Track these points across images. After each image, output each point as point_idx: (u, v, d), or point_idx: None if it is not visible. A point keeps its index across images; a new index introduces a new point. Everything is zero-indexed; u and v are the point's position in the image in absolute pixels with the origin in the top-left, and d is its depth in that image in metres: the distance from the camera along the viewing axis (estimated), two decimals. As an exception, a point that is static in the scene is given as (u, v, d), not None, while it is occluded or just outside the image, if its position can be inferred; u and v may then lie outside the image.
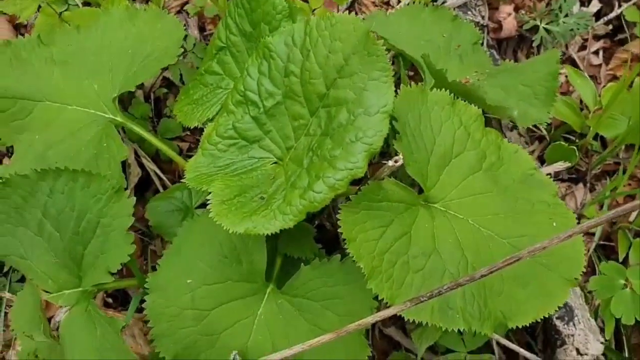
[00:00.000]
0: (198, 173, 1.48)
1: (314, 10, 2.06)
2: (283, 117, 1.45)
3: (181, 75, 2.14)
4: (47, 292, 1.56)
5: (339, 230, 1.30)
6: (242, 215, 1.35)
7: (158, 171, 2.00)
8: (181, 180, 1.91)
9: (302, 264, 1.52)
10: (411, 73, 2.13)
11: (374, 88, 1.32)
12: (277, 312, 1.48)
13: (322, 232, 1.77)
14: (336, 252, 1.76)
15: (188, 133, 2.15)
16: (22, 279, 2.08)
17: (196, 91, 1.67)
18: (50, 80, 1.72)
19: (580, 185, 2.07)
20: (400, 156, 1.30)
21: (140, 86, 2.14)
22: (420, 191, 1.46)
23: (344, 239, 1.30)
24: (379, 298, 1.31)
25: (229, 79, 1.63)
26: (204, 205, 1.75)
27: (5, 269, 2.07)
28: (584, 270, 1.43)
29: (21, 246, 1.56)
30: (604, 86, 2.18)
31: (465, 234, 1.42)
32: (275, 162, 1.48)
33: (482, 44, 2.09)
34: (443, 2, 2.20)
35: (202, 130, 2.15)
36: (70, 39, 1.77)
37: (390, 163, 1.30)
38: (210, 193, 1.43)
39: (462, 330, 1.40)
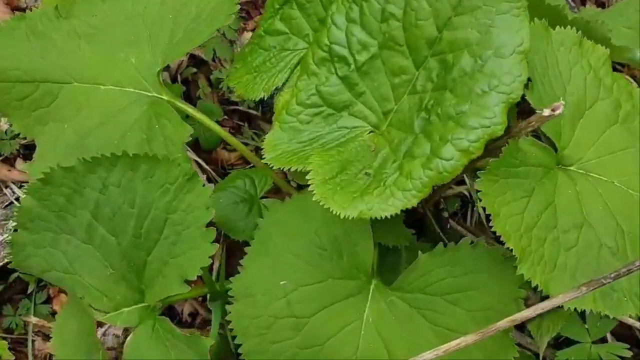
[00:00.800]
0: (280, 151, 1.21)
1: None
2: (379, 74, 1.19)
3: (214, 51, 1.86)
4: (100, 310, 1.28)
5: (480, 204, 1.04)
6: (351, 196, 1.08)
7: (202, 162, 1.73)
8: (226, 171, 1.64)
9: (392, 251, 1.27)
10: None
11: (504, 23, 1.06)
12: (388, 312, 1.22)
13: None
14: (422, 237, 1.51)
15: (226, 117, 1.87)
16: (48, 300, 1.79)
17: (255, 57, 1.39)
18: (77, 57, 1.43)
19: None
20: (562, 103, 1.03)
21: (166, 67, 1.86)
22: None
23: (488, 216, 1.04)
24: (533, 284, 1.05)
25: (297, 37, 1.36)
26: (269, 193, 1.49)
27: (30, 289, 1.78)
28: None
29: (65, 258, 1.28)
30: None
31: (613, 199, 1.17)
32: (371, 132, 1.21)
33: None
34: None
35: (243, 113, 1.90)
36: (94, 9, 1.48)
37: (546, 113, 1.03)
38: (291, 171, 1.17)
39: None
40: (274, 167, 1.19)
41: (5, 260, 1.69)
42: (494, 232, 1.06)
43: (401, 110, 1.17)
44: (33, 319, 1.74)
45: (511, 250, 1.05)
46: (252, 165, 1.76)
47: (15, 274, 1.75)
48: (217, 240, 1.46)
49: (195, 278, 1.17)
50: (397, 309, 1.22)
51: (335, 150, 1.15)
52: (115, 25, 1.45)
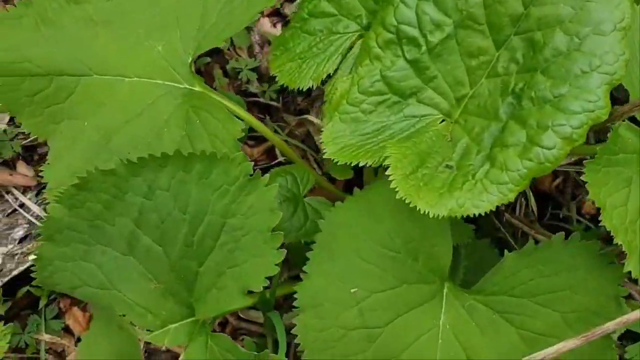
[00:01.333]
0: (342, 145, 1.09)
1: None
2: (453, 56, 1.07)
3: (230, 39, 1.72)
4: (144, 329, 1.14)
5: (590, 197, 0.94)
6: (437, 192, 0.97)
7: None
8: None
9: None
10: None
11: (602, -3, 0.95)
12: (467, 318, 1.12)
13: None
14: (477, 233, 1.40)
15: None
16: (59, 315, 1.64)
17: (299, 42, 1.26)
18: (95, 47, 1.28)
19: None
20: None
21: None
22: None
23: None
24: (640, 282, 0.96)
25: (347, 19, 1.23)
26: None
27: (41, 305, 1.62)
28: None
29: (100, 272, 1.13)
30: None
31: None
32: (443, 120, 1.09)
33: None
34: None
35: (263, 105, 1.76)
36: (109, -8, 1.32)
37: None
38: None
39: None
40: (338, 162, 1.07)
41: (14, 274, 1.54)
42: (548, 226, 0.96)
43: (479, 95, 1.06)
44: (45, 337, 1.58)
45: (618, 245, 0.96)
46: (278, 161, 1.64)
47: (25, 289, 1.58)
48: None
49: (261, 289, 1.04)
50: (478, 313, 1.12)
51: (410, 141, 1.04)
52: (136, 10, 1.30)
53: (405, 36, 1.07)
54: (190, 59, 1.25)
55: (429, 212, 0.96)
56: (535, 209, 1.50)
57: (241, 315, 1.50)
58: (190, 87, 1.25)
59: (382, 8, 1.09)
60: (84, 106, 1.27)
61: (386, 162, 0.99)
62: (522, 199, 1.52)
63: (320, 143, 1.10)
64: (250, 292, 1.06)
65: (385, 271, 1.09)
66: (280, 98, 1.74)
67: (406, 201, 0.96)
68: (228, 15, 1.24)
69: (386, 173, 0.98)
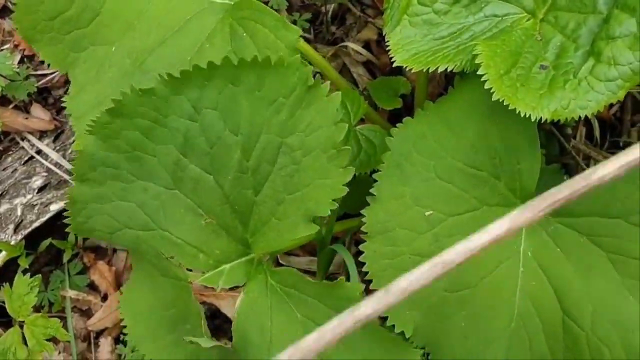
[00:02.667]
0: (414, 51, 0.96)
1: None
2: (540, -57, 0.94)
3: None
4: (195, 270, 1.02)
5: None
6: (536, 93, 0.85)
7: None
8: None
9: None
10: None
11: None
12: (550, 243, 1.00)
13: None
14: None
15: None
16: (83, 271, 1.52)
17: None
18: (121, -41, 1.13)
19: None
20: None
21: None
22: None
23: None
24: None
25: None
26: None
27: (65, 259, 1.50)
28: None
29: (142, 211, 1.01)
30: None
31: None
32: (528, 19, 0.97)
33: None
34: None
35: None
36: None
37: None
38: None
39: None
40: (413, 70, 0.94)
41: (35, 225, 1.41)
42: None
43: (570, -12, 0.93)
44: (70, 293, 1.47)
45: None
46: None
47: (47, 241, 1.46)
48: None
49: (328, 213, 0.91)
50: (563, 238, 1.00)
51: (499, 40, 0.91)
52: None
53: None
54: (229, -31, 1.11)
55: (529, 115, 0.83)
56: (598, 135, 1.39)
57: (281, 262, 1.39)
58: (229, 1, 1.11)
59: None
60: (111, 29, 1.14)
61: (477, 61, 0.86)
62: (583, 127, 1.41)
63: (388, 49, 0.97)
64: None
65: (466, 191, 0.97)
66: (312, 29, 1.60)
67: (504, 103, 0.84)
68: None
69: (479, 72, 0.86)
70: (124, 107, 0.93)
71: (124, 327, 1.42)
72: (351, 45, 1.49)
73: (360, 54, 1.52)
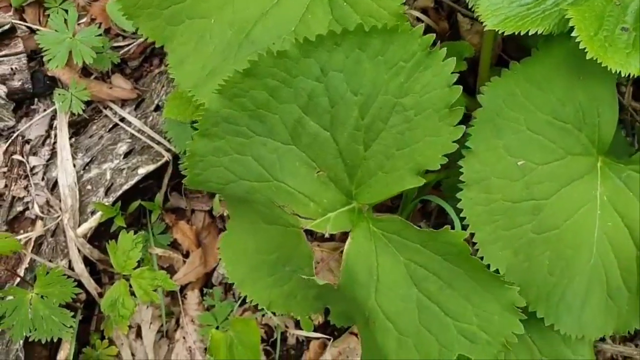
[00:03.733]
0: (503, 16, 1.06)
1: None
2: None
3: None
4: (306, 218, 1.13)
5: None
6: (623, 52, 0.96)
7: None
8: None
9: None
10: None
11: None
12: (624, 188, 1.12)
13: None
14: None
15: None
16: (165, 230, 1.63)
17: None
18: None
19: None
20: None
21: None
22: None
23: None
24: None
25: None
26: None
27: (153, 219, 1.61)
28: None
29: (259, 164, 1.11)
30: None
31: None
32: (604, -15, 1.06)
33: None
34: None
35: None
36: None
37: None
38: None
39: None
40: (506, 33, 1.04)
41: (124, 188, 1.52)
42: None
43: (646, -45, 1.03)
44: (157, 250, 1.58)
45: None
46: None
47: (136, 203, 1.57)
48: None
49: (438, 167, 1.02)
50: (635, 183, 1.12)
51: (584, 5, 1.01)
52: None
53: None
54: (320, -58, 1.20)
55: (617, 71, 0.94)
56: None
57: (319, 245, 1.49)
58: (321, -28, 1.20)
59: None
60: (208, 3, 1.22)
61: (570, 24, 0.97)
62: (631, 86, 1.52)
63: (477, 16, 1.07)
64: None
65: (554, 142, 1.08)
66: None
67: (597, 61, 0.94)
68: None
69: (572, 34, 0.96)
70: (258, 68, 1.02)
71: (208, 282, 1.55)
72: (411, 12, 1.58)
73: (420, 20, 1.61)
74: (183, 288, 1.62)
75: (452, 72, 1.00)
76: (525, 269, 1.11)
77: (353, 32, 0.98)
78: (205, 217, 1.67)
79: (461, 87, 1.00)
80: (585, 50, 0.95)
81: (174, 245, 1.65)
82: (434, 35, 0.99)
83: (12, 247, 1.20)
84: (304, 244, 1.13)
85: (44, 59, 1.47)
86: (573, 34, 0.96)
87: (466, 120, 1.31)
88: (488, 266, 1.08)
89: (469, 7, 1.19)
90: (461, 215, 1.09)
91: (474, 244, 1.10)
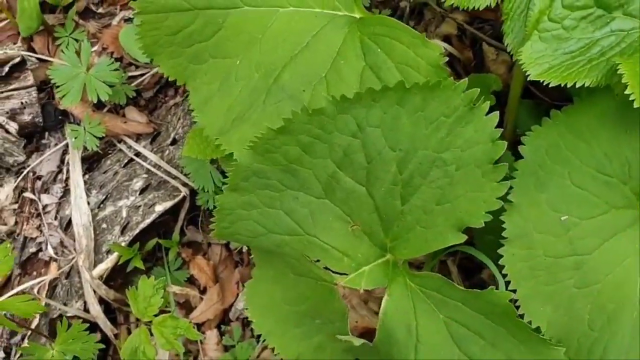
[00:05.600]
0: (547, 66, 1.02)
1: None
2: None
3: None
4: (339, 273, 1.09)
5: None
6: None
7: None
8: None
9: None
10: None
11: None
12: (667, 239, 1.08)
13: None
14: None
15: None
16: (182, 266, 1.59)
17: (466, -44, 1.15)
18: (245, -26, 1.17)
19: None
20: None
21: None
22: None
23: None
24: None
25: None
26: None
27: (171, 257, 1.57)
28: None
29: (290, 218, 1.07)
30: None
31: None
32: (651, 32, 1.02)
33: None
34: None
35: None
36: None
37: None
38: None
39: None
40: (551, 84, 1.00)
41: (141, 227, 1.47)
42: None
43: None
44: (174, 288, 1.53)
45: None
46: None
47: (154, 241, 1.53)
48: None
49: (482, 224, 0.98)
50: (679, 233, 1.08)
51: (635, 57, 0.97)
52: None
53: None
54: (349, -17, 1.15)
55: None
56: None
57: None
58: (350, 14, 1.16)
59: None
60: (234, 43, 1.18)
61: (623, 80, 0.92)
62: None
63: (520, 64, 1.02)
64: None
65: (597, 196, 1.04)
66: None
67: (650, 120, 0.90)
68: None
69: (625, 92, 0.92)
70: (292, 125, 0.98)
71: (225, 318, 1.51)
72: (435, 41, 1.53)
73: (443, 49, 1.57)
74: (200, 326, 1.58)
75: (496, 127, 0.96)
76: (566, 323, 1.08)
77: (393, 89, 0.94)
78: (222, 250, 1.62)
79: (505, 142, 0.96)
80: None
81: (191, 280, 1.61)
82: (478, 90, 0.94)
83: (34, 309, 1.15)
84: (337, 300, 1.09)
85: (57, 95, 1.42)
86: (627, 91, 0.92)
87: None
88: (529, 323, 1.05)
89: (504, 44, 1.15)
90: (503, 271, 1.06)
91: (515, 300, 1.06)
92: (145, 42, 1.19)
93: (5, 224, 1.48)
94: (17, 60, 1.47)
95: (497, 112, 0.96)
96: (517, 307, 1.05)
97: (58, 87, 1.40)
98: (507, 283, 1.06)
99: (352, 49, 1.11)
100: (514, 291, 1.05)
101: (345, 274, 1.09)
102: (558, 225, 1.04)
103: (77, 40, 1.52)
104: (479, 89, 0.94)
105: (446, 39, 1.61)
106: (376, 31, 1.09)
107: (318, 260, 1.08)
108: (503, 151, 0.96)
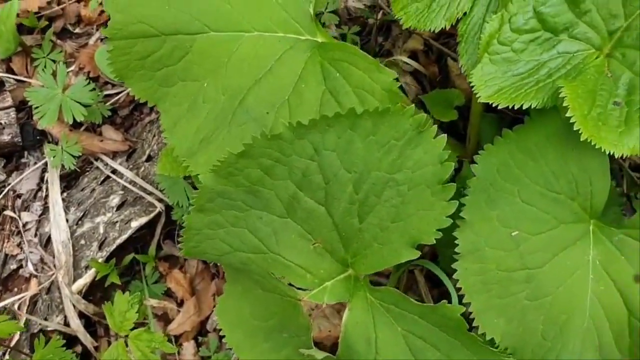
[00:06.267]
0: (497, 88, 1.06)
1: None
2: (608, -12, 1.04)
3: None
4: (302, 289, 1.14)
5: None
6: (616, 131, 0.97)
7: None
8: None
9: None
10: None
11: None
12: (616, 252, 1.13)
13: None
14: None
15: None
16: (159, 279, 1.63)
17: (420, -20, 1.20)
18: (210, 1, 1.21)
19: None
20: None
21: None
22: None
23: None
24: None
25: (477, -47, 1.17)
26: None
27: (147, 271, 1.61)
28: None
29: (254, 236, 1.12)
30: None
31: None
32: (598, 56, 1.07)
33: None
34: None
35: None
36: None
37: None
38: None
39: None
40: (499, 106, 1.05)
41: (118, 242, 1.51)
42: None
43: (636, 27, 1.04)
44: (152, 302, 1.58)
45: None
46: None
47: (130, 256, 1.57)
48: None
49: (434, 242, 1.03)
50: (627, 246, 1.13)
51: (578, 80, 1.02)
52: (245, -41, 1.23)
53: (561, -30, 1.04)
54: (312, 8, 1.20)
55: (612, 153, 0.95)
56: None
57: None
58: (313, 39, 1.20)
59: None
60: (201, 66, 1.22)
61: (564, 104, 0.97)
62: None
63: (471, 86, 1.07)
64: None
65: (546, 212, 1.09)
66: (359, 40, 1.69)
67: (592, 142, 0.95)
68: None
69: (567, 115, 0.97)
70: (252, 149, 1.03)
71: (202, 330, 1.55)
72: (400, 57, 1.58)
73: (409, 64, 1.62)
74: (178, 337, 1.62)
75: (444, 149, 1.01)
76: (519, 335, 1.12)
77: (345, 116, 0.99)
78: (198, 263, 1.67)
79: (453, 164, 1.01)
80: (580, 132, 0.96)
81: (168, 293, 1.65)
82: (425, 115, 0.99)
83: (10, 329, 1.19)
84: (302, 315, 1.13)
85: (34, 116, 1.46)
86: (568, 114, 0.97)
87: (459, 170, 1.33)
88: (483, 334, 1.09)
89: (462, 71, 1.20)
90: (457, 285, 1.10)
91: (470, 313, 1.11)
92: (117, 66, 1.24)
93: (-14, 241, 1.52)
94: (-5, 82, 1.51)
95: (445, 135, 1.01)
96: (472, 320, 1.10)
97: (36, 108, 1.44)
98: (462, 296, 1.11)
99: (312, 73, 1.15)
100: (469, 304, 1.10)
101: (308, 289, 1.13)
102: (509, 241, 1.09)
103: (54, 61, 1.56)
104: (425, 115, 0.99)
105: (413, 54, 1.66)
106: (335, 56, 1.14)
107: (283, 277, 1.12)
108: (450, 171, 1.01)
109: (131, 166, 1.56)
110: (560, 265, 1.12)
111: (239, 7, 1.21)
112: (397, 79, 1.08)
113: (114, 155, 1.57)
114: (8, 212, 1.51)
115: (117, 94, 1.61)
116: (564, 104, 0.98)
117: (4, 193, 1.53)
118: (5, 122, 1.51)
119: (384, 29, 1.71)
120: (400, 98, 1.07)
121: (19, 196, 1.54)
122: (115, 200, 1.54)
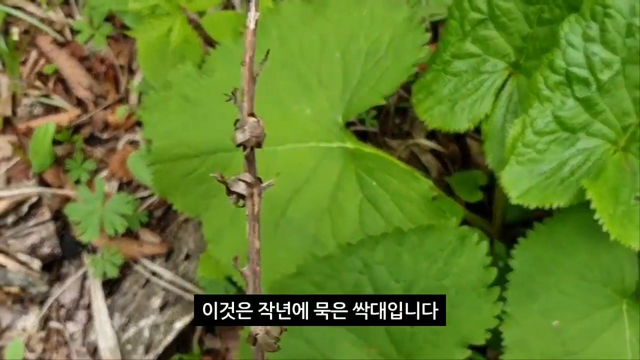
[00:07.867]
0: (526, 188, 1.14)
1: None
2: (620, 90, 1.12)
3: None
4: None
5: None
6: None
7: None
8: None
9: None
10: None
11: None
12: (649, 330, 1.19)
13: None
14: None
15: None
16: None
17: (443, 84, 1.28)
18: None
19: None
20: None
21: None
22: None
23: None
24: None
25: (495, 58, 1.26)
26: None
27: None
28: None
29: (310, 346, 1.17)
30: None
31: None
32: (615, 151, 1.15)
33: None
34: None
35: (359, 132, 1.79)
36: (237, 57, 1.33)
37: None
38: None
39: None
40: (530, 207, 1.12)
41: (164, 345, 1.56)
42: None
43: (646, 122, 1.12)
44: None
45: None
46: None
47: (176, 356, 1.61)
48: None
49: (484, 342, 1.09)
50: (659, 321, 1.20)
51: (600, 180, 1.09)
52: (273, 73, 1.31)
53: (576, 77, 1.12)
54: (341, 117, 1.27)
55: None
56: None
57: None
58: (343, 145, 1.28)
59: (549, 52, 1.13)
60: (240, 179, 1.29)
61: (591, 206, 1.04)
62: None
63: (501, 187, 1.14)
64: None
65: (583, 301, 1.15)
66: (377, 124, 1.76)
67: (621, 242, 1.02)
68: (374, 71, 1.26)
69: (595, 217, 1.04)
70: (304, 269, 1.09)
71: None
72: (420, 141, 1.66)
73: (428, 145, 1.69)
74: None
75: (486, 255, 1.07)
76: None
77: (392, 234, 1.06)
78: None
79: (496, 269, 1.07)
80: (608, 232, 1.03)
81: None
82: (466, 228, 1.06)
83: None
84: None
85: (77, 232, 1.52)
86: (595, 217, 1.04)
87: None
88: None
89: (486, 163, 1.27)
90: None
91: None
92: (160, 186, 1.31)
93: (34, 351, 1.56)
94: (35, 200, 1.57)
95: (487, 242, 1.08)
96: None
97: (77, 224, 1.50)
98: (511, 386, 1.16)
99: (348, 181, 1.22)
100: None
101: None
102: (550, 330, 1.15)
103: (87, 171, 1.62)
104: (466, 228, 1.06)
105: (431, 134, 1.73)
106: (369, 165, 1.22)
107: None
108: (494, 275, 1.07)
109: (170, 266, 1.62)
110: (600, 347, 1.18)
111: (271, 123, 1.27)
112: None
113: (153, 257, 1.63)
114: (53, 324, 1.55)
115: (151, 196, 1.67)
116: (591, 207, 1.05)
117: (48, 304, 1.57)
118: (44, 236, 1.57)
119: (400, 110, 1.78)
120: (437, 207, 1.14)
121: (62, 306, 1.59)
122: (157, 302, 1.59)
